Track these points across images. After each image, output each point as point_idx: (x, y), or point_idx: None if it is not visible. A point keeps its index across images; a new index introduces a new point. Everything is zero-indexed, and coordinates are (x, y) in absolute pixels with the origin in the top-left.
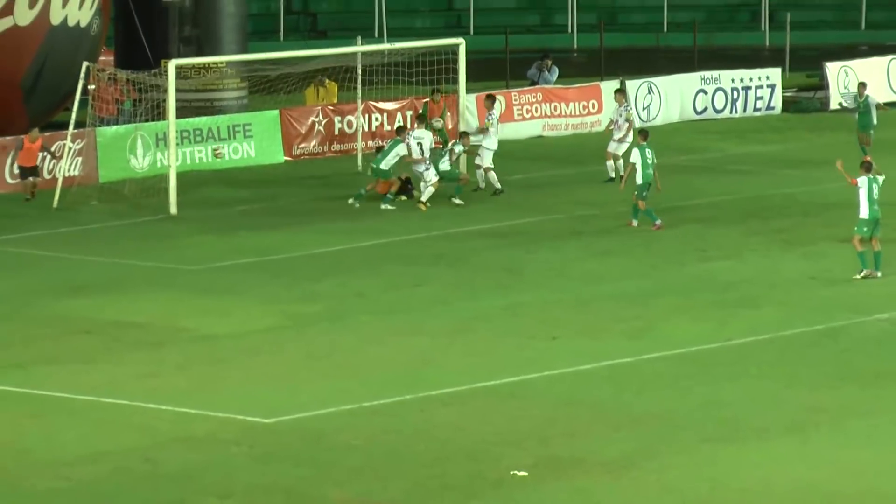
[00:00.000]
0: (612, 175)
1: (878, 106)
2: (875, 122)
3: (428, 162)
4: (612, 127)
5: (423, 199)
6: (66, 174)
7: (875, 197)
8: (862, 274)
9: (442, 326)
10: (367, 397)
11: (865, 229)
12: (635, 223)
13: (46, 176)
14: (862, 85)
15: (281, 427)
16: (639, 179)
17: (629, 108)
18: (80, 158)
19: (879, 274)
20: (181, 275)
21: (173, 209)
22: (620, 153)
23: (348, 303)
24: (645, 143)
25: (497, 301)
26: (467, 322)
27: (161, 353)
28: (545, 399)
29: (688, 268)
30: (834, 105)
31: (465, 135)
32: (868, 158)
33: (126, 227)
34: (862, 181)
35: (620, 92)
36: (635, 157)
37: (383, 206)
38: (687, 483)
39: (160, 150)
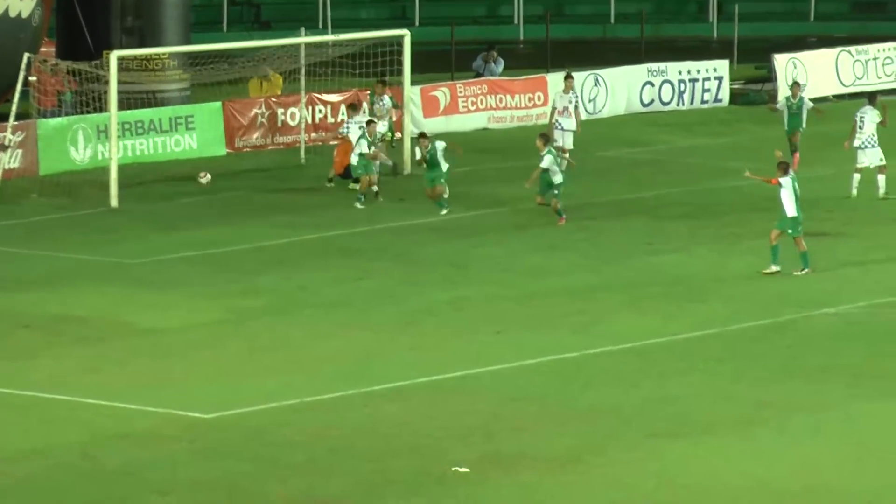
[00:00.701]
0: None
1: (816, 110)
2: (804, 125)
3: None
4: (557, 118)
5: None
6: (6, 167)
7: (798, 195)
8: (772, 269)
9: (386, 320)
10: (310, 392)
11: (790, 230)
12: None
13: None
14: (796, 85)
15: (222, 423)
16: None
17: (577, 96)
18: (20, 150)
19: (809, 270)
20: (124, 269)
21: (114, 202)
22: (569, 146)
23: (292, 296)
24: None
25: (442, 295)
26: (412, 316)
27: (103, 348)
28: (490, 394)
29: (635, 261)
30: (781, 98)
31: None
32: (782, 157)
33: (67, 221)
34: (785, 181)
35: (570, 78)
36: (548, 161)
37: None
38: (633, 478)
39: (101, 142)
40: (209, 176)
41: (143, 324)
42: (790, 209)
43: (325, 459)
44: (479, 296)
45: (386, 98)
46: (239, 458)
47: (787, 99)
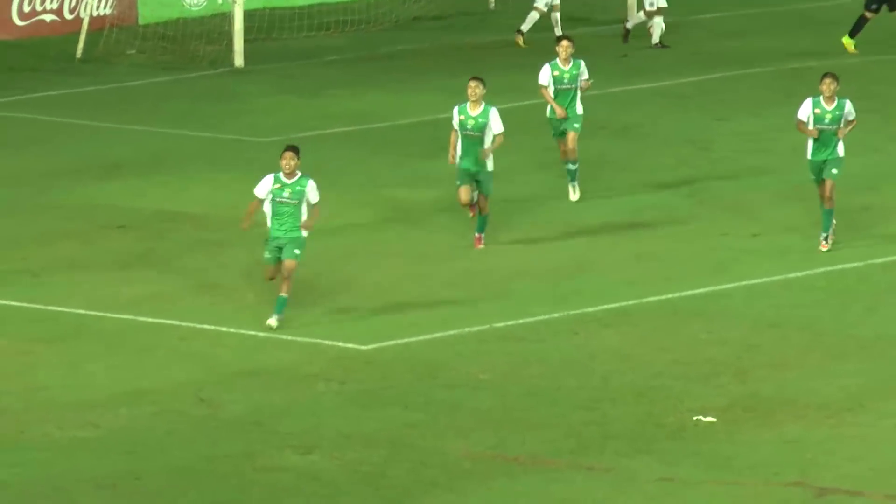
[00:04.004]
0: None
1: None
2: None
3: None
4: None
5: None
6: (95, 13)
7: None
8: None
9: (603, 219)
10: (501, 316)
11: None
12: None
13: (68, 16)
14: None
15: (384, 357)
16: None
17: None
18: None
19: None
20: (249, 149)
21: (239, 60)
22: None
23: None
24: None
25: (677, 182)
26: (636, 213)
27: (222, 256)
28: (743, 318)
29: None
30: None
31: None
32: None
33: (175, 86)
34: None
35: None
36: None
37: None
38: None
39: None
40: None
41: None
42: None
43: (520, 405)
44: (728, 185)
45: None
46: (405, 405)
47: None
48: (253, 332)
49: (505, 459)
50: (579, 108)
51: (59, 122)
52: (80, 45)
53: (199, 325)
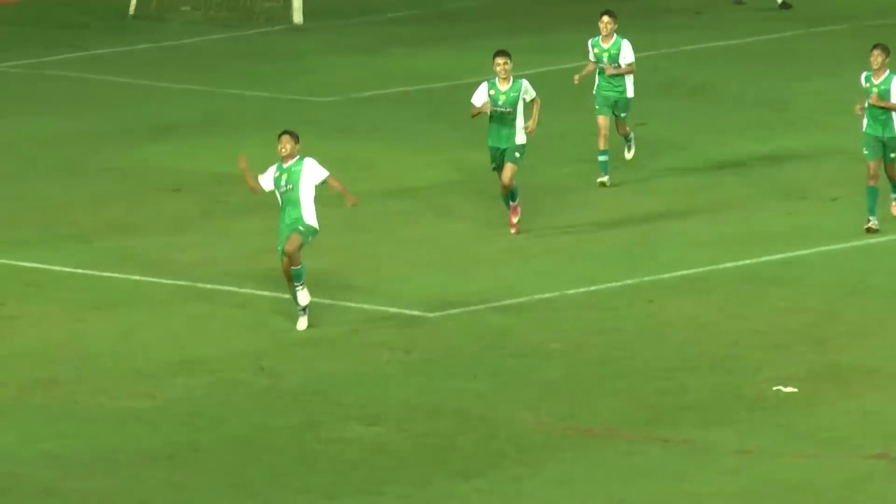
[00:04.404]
0: None
1: None
2: None
3: None
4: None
5: None
6: None
7: None
8: None
9: (675, 181)
10: (573, 282)
11: None
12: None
13: None
14: None
15: (449, 324)
16: None
17: None
18: None
19: None
20: (307, 110)
21: (297, 17)
22: None
23: (543, 146)
24: None
25: (755, 146)
26: (711, 175)
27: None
28: (823, 284)
29: None
30: None
31: None
32: None
33: (231, 43)
34: None
35: None
36: None
37: None
38: None
39: None
40: None
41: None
42: None
43: (591, 374)
44: (805, 147)
45: None
46: (473, 374)
47: None
48: (316, 299)
49: (577, 431)
50: (629, 91)
51: (110, 82)
52: (133, 1)
53: (257, 292)
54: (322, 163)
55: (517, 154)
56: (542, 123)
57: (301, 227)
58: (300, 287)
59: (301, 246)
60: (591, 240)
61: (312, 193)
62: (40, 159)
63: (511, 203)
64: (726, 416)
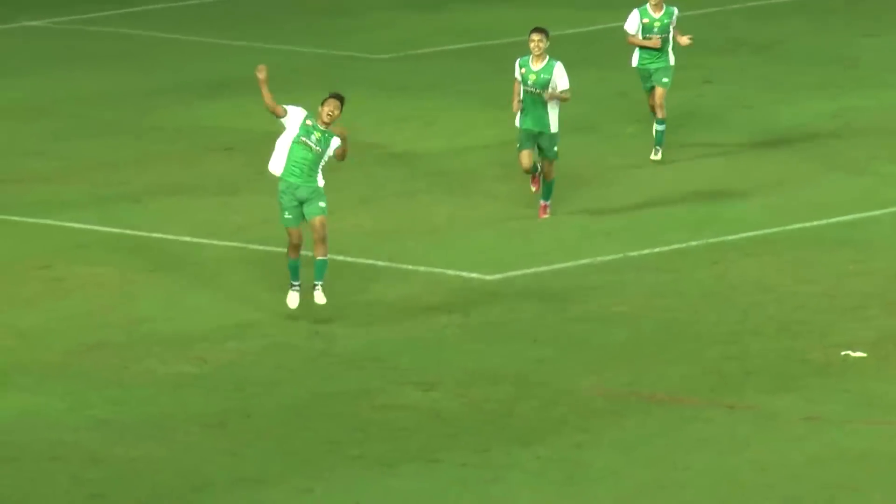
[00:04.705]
0: None
1: None
2: None
3: None
4: None
5: None
6: None
7: None
8: None
9: (740, 141)
10: (635, 243)
11: None
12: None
13: None
14: None
15: (509, 288)
16: None
17: None
18: None
19: None
20: (364, 67)
21: None
22: None
23: (610, 104)
24: None
25: (822, 105)
26: (775, 133)
27: (338, 180)
28: (893, 247)
29: None
30: None
31: None
32: None
33: None
34: None
35: None
36: None
37: None
38: None
39: None
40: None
41: (393, 146)
42: None
43: (653, 339)
44: (876, 105)
45: None
46: (533, 339)
47: None
48: (370, 261)
49: (639, 397)
50: (671, 59)
51: (160, 38)
52: None
53: (311, 254)
54: (379, 122)
55: (555, 148)
56: (604, 80)
57: (322, 204)
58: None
59: (325, 224)
60: (655, 200)
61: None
62: (89, 118)
63: (542, 202)
64: (793, 382)
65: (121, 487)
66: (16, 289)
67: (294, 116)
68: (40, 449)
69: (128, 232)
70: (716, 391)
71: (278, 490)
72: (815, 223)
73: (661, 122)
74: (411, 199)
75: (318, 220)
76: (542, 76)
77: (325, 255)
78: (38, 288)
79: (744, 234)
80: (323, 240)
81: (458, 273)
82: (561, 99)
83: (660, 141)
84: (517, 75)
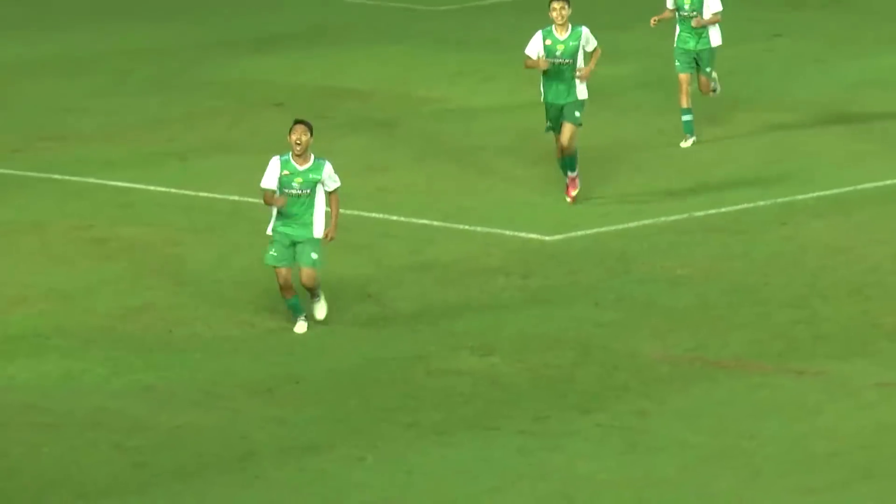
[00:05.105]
0: None
1: None
2: None
3: None
4: None
5: None
6: None
7: None
8: None
9: (811, 97)
10: (700, 203)
11: None
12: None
13: None
14: None
15: (570, 249)
16: None
17: None
18: None
19: None
20: (419, 19)
21: None
22: None
23: (659, 63)
24: None
25: (895, 59)
26: (853, 89)
27: (391, 136)
28: None
29: None
30: None
31: None
32: None
33: None
34: None
35: None
36: None
37: None
38: None
39: None
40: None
41: (448, 102)
42: None
43: (720, 303)
44: None
45: None
46: (594, 302)
47: None
48: (426, 221)
49: (705, 363)
50: (714, 40)
51: None
52: None
53: (365, 214)
54: (435, 76)
55: (577, 113)
56: (669, 37)
57: (314, 255)
58: (307, 305)
59: (317, 277)
60: (721, 158)
61: (324, 203)
62: (135, 72)
63: (569, 174)
64: (864, 347)
65: (165, 456)
66: (57, 250)
67: (271, 175)
68: (82, 415)
69: (173, 191)
70: (784, 357)
71: (328, 459)
72: (889, 182)
73: (686, 111)
74: (467, 157)
75: (305, 273)
76: (570, 44)
77: (317, 297)
78: (81, 249)
79: (814, 194)
80: (311, 291)
81: (516, 233)
82: (584, 76)
83: (689, 130)
84: (534, 50)
